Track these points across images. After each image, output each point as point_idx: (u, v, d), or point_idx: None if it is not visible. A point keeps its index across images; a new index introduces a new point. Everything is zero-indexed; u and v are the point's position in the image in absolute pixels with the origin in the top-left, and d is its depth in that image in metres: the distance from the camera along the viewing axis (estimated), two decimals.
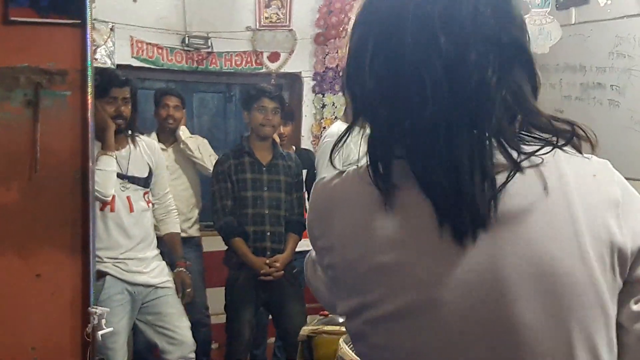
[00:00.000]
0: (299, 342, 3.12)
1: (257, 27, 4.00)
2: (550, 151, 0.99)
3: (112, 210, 3.16)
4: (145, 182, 3.21)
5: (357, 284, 1.05)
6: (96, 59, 3.21)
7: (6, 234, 2.99)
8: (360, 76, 1.04)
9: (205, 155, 3.80)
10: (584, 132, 1.04)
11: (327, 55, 4.10)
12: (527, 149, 0.99)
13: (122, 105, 3.23)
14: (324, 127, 4.12)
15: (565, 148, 1.01)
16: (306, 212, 3.53)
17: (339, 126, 3.54)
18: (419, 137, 0.98)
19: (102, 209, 3.18)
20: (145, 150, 3.28)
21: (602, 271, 0.97)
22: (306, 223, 1.19)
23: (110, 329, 2.99)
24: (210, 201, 3.46)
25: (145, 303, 3.31)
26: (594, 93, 4.23)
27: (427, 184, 0.98)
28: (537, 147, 0.99)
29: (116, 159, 3.18)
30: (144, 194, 3.19)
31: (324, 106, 4.13)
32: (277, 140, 3.60)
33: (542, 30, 4.07)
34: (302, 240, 3.61)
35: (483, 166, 0.97)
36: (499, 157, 0.98)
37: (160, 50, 3.78)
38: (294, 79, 4.35)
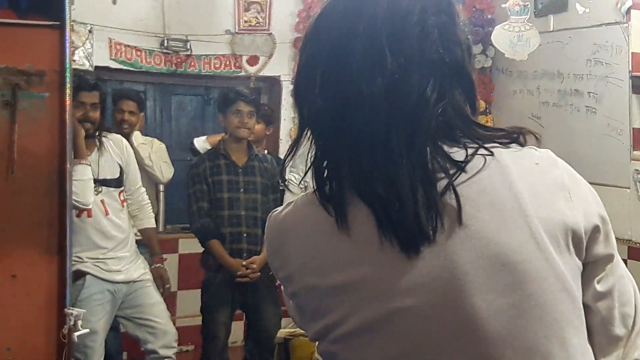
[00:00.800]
0: (275, 345, 3.09)
1: (237, 30, 3.99)
2: (489, 148, 1.00)
3: (89, 216, 3.16)
4: (117, 182, 3.23)
5: (320, 307, 1.05)
6: (74, 61, 3.17)
7: None
8: (309, 94, 1.05)
9: (158, 162, 3.76)
10: (529, 131, 1.06)
11: None
12: (469, 151, 1.00)
13: (90, 110, 3.23)
14: None
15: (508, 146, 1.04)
16: None
17: None
18: (360, 153, 0.99)
19: (78, 216, 3.17)
20: (114, 150, 3.28)
21: (559, 254, 0.97)
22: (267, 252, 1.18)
23: (86, 330, 2.96)
24: (187, 204, 3.46)
25: (124, 299, 3.32)
26: (572, 100, 4.27)
27: (369, 200, 0.99)
28: (476, 147, 1.00)
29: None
30: (119, 193, 3.20)
31: None
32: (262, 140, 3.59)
33: (520, 37, 4.11)
34: None
35: (424, 179, 0.97)
36: (441, 165, 0.99)
37: (138, 53, 3.76)
38: (273, 83, 4.34)
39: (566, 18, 4.17)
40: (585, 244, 1.02)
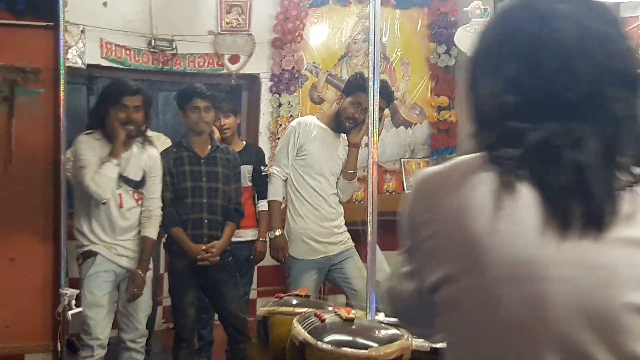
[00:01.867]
0: (256, 322, 2.90)
1: (219, 31, 4.04)
2: None
3: (103, 203, 3.23)
4: (136, 184, 3.27)
5: (464, 251, 0.99)
6: (68, 59, 3.20)
7: None
8: (497, 82, 1.01)
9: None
10: None
11: (283, 58, 4.16)
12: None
13: (133, 113, 3.26)
14: (280, 125, 4.20)
15: None
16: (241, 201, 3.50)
17: (312, 119, 3.50)
18: (547, 143, 0.95)
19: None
20: (144, 158, 3.31)
21: None
22: (404, 216, 1.09)
23: (80, 309, 2.98)
24: None
25: (120, 285, 3.37)
26: None
27: (549, 182, 0.95)
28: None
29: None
30: (134, 192, 3.25)
31: (280, 105, 4.20)
32: (217, 135, 3.65)
33: None
34: (251, 229, 3.66)
35: (607, 177, 0.94)
36: (619, 174, 0.95)
37: (128, 52, 3.82)
38: (253, 80, 4.36)
39: None
40: None
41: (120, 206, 3.12)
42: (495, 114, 1.00)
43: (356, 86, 3.18)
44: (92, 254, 3.20)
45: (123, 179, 3.12)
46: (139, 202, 3.20)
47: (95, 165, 3.09)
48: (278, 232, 3.38)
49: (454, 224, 0.99)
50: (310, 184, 3.43)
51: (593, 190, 0.92)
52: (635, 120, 0.98)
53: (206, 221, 3.29)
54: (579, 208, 0.91)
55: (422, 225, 1.03)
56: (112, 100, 3.13)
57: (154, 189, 3.27)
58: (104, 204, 3.18)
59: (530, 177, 0.94)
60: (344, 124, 3.20)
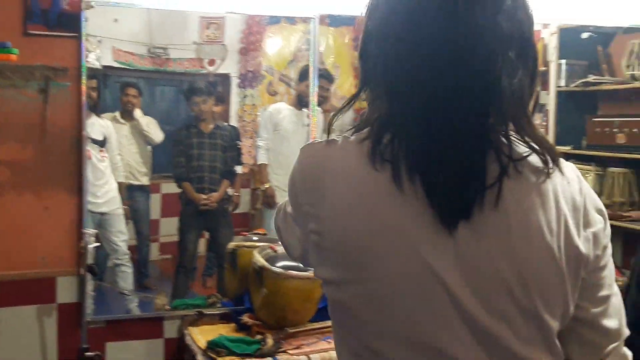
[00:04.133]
0: (226, 253, 3.38)
1: (201, 42, 4.03)
2: (542, 160, 0.83)
3: (89, 157, 3.48)
4: (101, 143, 3.57)
5: (351, 259, 0.83)
6: (88, 61, 3.33)
7: (24, 180, 3.16)
8: (381, 54, 0.85)
9: (152, 130, 3.96)
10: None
11: (247, 62, 4.19)
12: (522, 151, 0.82)
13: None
14: (245, 111, 4.25)
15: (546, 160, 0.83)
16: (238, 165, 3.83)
17: (282, 105, 3.99)
18: (429, 117, 0.79)
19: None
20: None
21: (570, 282, 0.84)
22: (289, 181, 0.94)
23: (97, 244, 3.23)
24: (171, 158, 3.82)
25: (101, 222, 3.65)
26: None
27: (426, 166, 0.80)
28: (528, 153, 0.82)
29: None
30: (99, 150, 3.54)
31: (245, 97, 4.22)
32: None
33: None
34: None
35: (481, 160, 0.80)
36: (503, 153, 0.80)
37: (133, 56, 3.83)
38: (225, 78, 4.28)
39: None
40: (588, 269, 0.87)
41: (90, 157, 3.42)
42: (383, 96, 0.85)
43: (307, 73, 3.71)
44: None
45: (92, 140, 3.46)
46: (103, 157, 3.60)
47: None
48: (267, 185, 3.89)
49: (338, 224, 0.83)
50: (283, 152, 3.85)
51: (471, 185, 0.81)
52: (521, 116, 0.83)
53: (207, 178, 3.74)
54: (458, 200, 0.80)
55: (306, 213, 0.88)
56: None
57: (112, 147, 3.66)
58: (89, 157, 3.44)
59: (414, 172, 0.81)
60: (304, 101, 3.67)
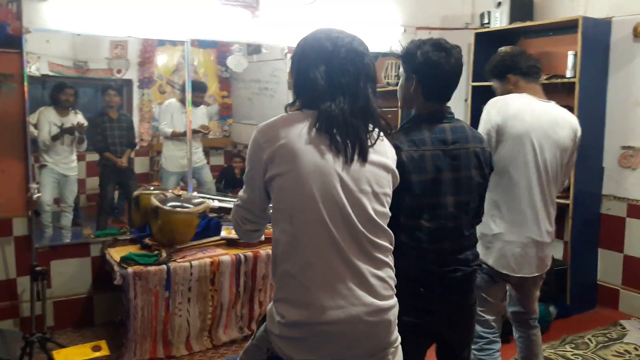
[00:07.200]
0: (133, 198, 3.67)
1: (111, 57, 4.24)
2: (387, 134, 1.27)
3: (62, 144, 3.77)
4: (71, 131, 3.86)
5: (289, 158, 1.16)
6: (31, 71, 3.45)
7: None
8: (311, 77, 1.23)
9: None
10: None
11: (144, 71, 4.46)
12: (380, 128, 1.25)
13: (69, 97, 3.81)
14: (143, 104, 4.52)
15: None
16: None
17: (172, 100, 4.38)
18: (339, 105, 1.19)
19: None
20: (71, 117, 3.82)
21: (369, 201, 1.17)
22: (251, 145, 1.22)
23: (40, 194, 3.43)
24: (92, 137, 4.07)
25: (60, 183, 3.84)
26: (264, 92, 4.78)
27: (333, 131, 1.16)
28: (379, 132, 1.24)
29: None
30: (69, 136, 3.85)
31: (143, 95, 4.31)
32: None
33: (239, 61, 4.57)
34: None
35: (366, 129, 1.20)
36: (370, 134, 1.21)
37: (63, 68, 4.01)
38: (129, 83, 4.52)
39: (261, 55, 4.54)
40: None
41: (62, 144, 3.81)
42: (309, 90, 1.22)
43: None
44: (45, 166, 3.78)
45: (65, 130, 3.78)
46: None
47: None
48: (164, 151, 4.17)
49: (284, 145, 1.16)
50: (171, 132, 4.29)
51: (360, 136, 1.18)
52: (371, 99, 1.22)
53: (118, 147, 4.19)
54: (351, 146, 1.17)
55: (263, 149, 1.18)
56: (57, 91, 3.75)
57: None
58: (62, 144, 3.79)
59: (325, 126, 1.17)
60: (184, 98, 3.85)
